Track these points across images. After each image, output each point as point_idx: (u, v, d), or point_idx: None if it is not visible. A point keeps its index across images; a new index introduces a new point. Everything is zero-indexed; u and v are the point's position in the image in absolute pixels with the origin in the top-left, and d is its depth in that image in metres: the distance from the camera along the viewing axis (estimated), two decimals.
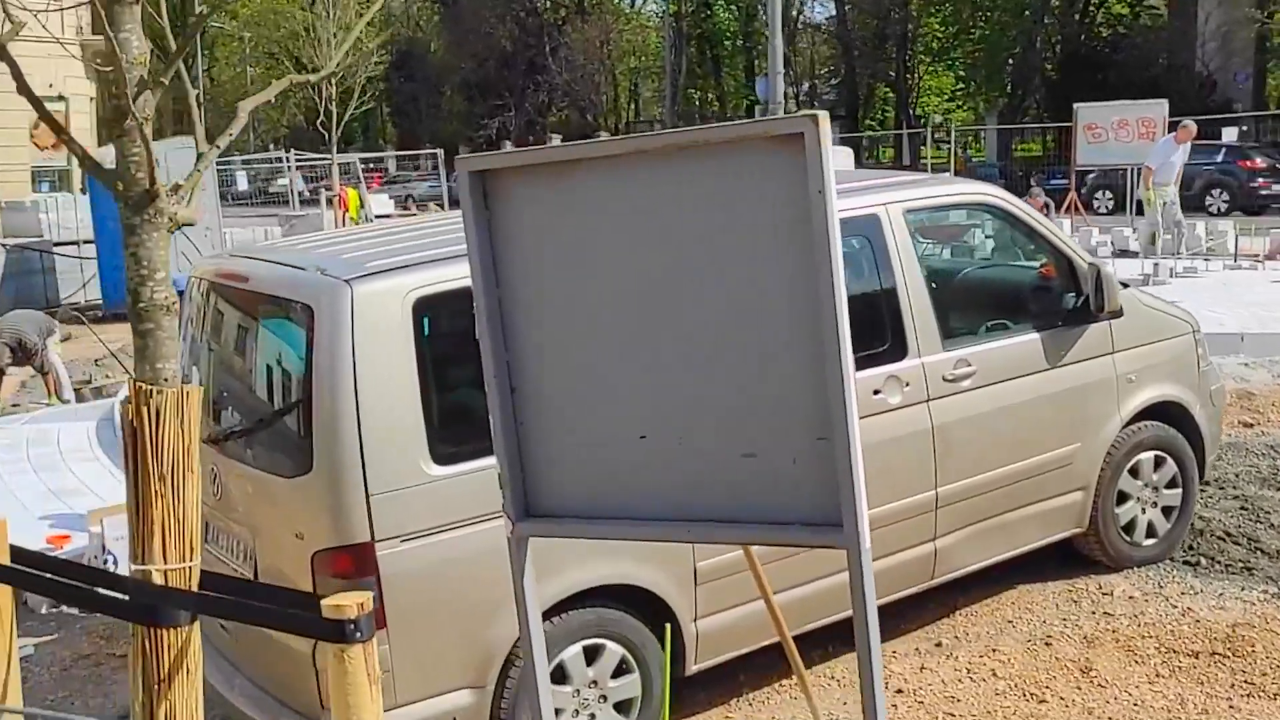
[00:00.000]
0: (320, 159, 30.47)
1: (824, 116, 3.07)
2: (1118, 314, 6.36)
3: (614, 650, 5.11)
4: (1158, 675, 5.61)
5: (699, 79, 65.98)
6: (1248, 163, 30.83)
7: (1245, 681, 5.49)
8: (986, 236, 8.97)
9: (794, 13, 57.86)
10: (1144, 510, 6.75)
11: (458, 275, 4.80)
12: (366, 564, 4.61)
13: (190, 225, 2.85)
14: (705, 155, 3.28)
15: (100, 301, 20.97)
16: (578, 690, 5.04)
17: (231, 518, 5.16)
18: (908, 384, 5.73)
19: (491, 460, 4.58)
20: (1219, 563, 6.80)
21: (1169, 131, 20.79)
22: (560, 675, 4.93)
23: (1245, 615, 6.11)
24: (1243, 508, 7.47)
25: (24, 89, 2.78)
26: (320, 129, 25.06)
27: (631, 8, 68.81)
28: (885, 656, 5.94)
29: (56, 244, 21.90)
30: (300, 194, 33.50)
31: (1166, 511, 6.84)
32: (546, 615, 4.69)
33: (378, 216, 26.09)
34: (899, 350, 5.75)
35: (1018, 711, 5.38)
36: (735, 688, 5.75)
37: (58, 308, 19.66)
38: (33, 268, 21.22)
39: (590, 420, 3.54)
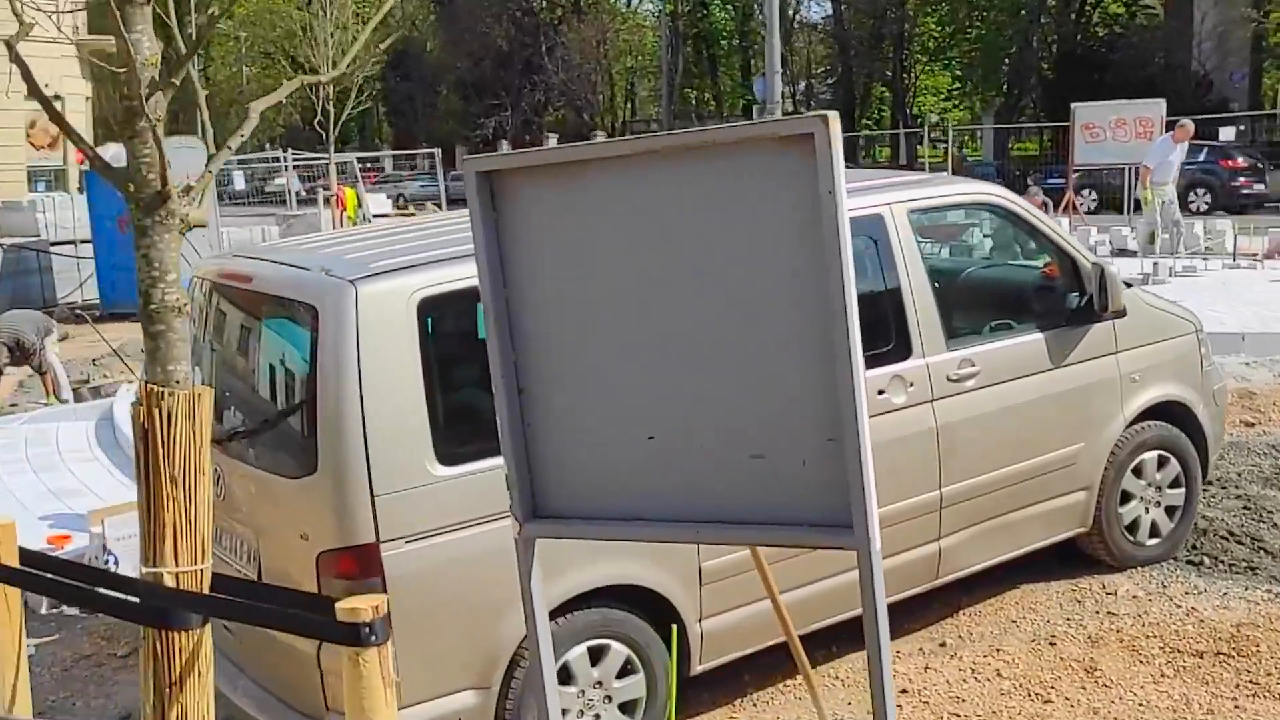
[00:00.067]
0: (317, 158, 30.45)
1: (834, 117, 3.07)
2: (1121, 314, 6.35)
3: (619, 650, 5.10)
4: (1162, 675, 5.60)
5: (695, 78, 66.00)
6: (1229, 162, 30.92)
7: (1250, 681, 5.48)
8: (985, 236, 8.97)
9: (790, 12, 57.85)
10: (1147, 510, 6.75)
11: (462, 275, 4.80)
12: (371, 565, 4.60)
13: (201, 226, 2.83)
14: (714, 156, 3.27)
15: (97, 301, 20.94)
16: (583, 691, 5.03)
17: (235, 518, 5.15)
18: (912, 384, 5.72)
19: (496, 461, 4.59)
20: (1222, 562, 6.79)
21: (1166, 131, 20.82)
22: (565, 676, 4.91)
23: (1249, 615, 6.11)
24: (1245, 507, 7.46)
25: (34, 90, 2.77)
26: (318, 128, 25.03)
27: (628, 7, 68.79)
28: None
29: (54, 244, 21.86)
30: (297, 193, 33.47)
31: (1170, 511, 6.84)
32: (551, 616, 4.66)
33: (375, 216, 26.08)
34: (903, 350, 5.74)
35: (1023, 711, 5.37)
36: (740, 688, 5.74)
37: (55, 307, 19.63)
38: (30, 267, 21.19)
39: (598, 421, 3.54)
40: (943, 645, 6.07)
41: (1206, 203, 29.76)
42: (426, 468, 4.69)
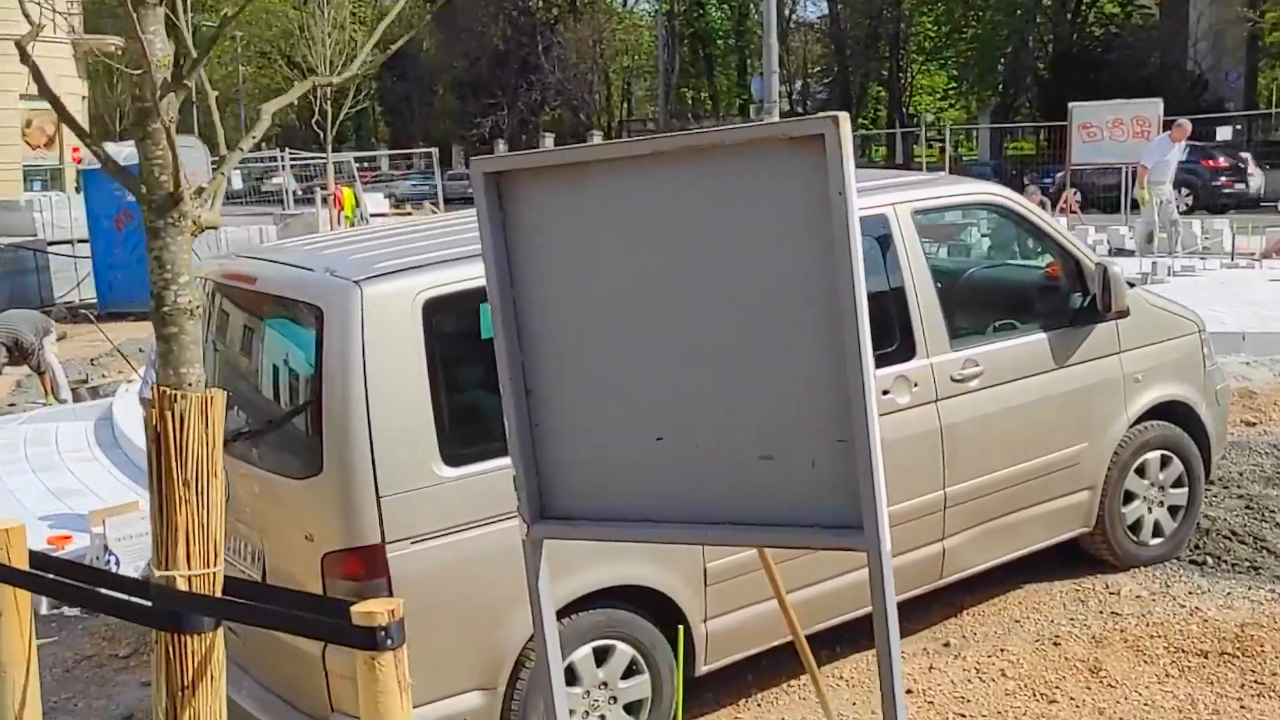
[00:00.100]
0: (315, 158, 30.40)
1: (844, 118, 3.06)
2: (1125, 314, 6.35)
3: (624, 651, 5.09)
4: (1167, 675, 5.60)
5: (692, 78, 66.03)
6: (1211, 162, 31.04)
7: (1255, 681, 5.48)
8: (982, 235, 8.97)
9: (787, 12, 57.86)
10: (1150, 510, 6.75)
11: (467, 276, 4.80)
12: (377, 566, 4.59)
13: (213, 228, 2.82)
14: (723, 157, 3.26)
15: (95, 301, 20.93)
16: (588, 691, 5.02)
17: (239, 519, 5.13)
18: (916, 384, 5.72)
19: (501, 461, 4.60)
20: (1225, 562, 6.80)
21: (1164, 130, 20.83)
22: (571, 676, 4.91)
23: (1253, 615, 6.11)
24: (1248, 507, 7.47)
25: (45, 91, 2.76)
26: (315, 128, 24.97)
27: (624, 7, 68.79)
28: None
29: (51, 243, 21.85)
30: (293, 193, 33.43)
31: (1173, 511, 6.84)
32: (557, 616, 4.67)
33: (373, 216, 26.06)
34: (907, 350, 5.74)
35: (1028, 712, 5.37)
36: (744, 688, 5.74)
37: (52, 307, 19.62)
38: (27, 267, 21.18)
39: (606, 422, 3.53)
40: (946, 645, 6.07)
41: (1188, 202, 29.85)
42: (432, 468, 4.68)
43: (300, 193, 33.37)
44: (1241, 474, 8.05)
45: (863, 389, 3.10)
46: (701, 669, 5.36)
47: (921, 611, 6.21)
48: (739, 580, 5.24)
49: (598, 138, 54.84)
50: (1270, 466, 8.20)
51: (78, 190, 24.38)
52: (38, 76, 2.70)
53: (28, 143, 33.00)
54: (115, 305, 19.30)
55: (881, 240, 5.73)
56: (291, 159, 33.66)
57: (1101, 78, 44.54)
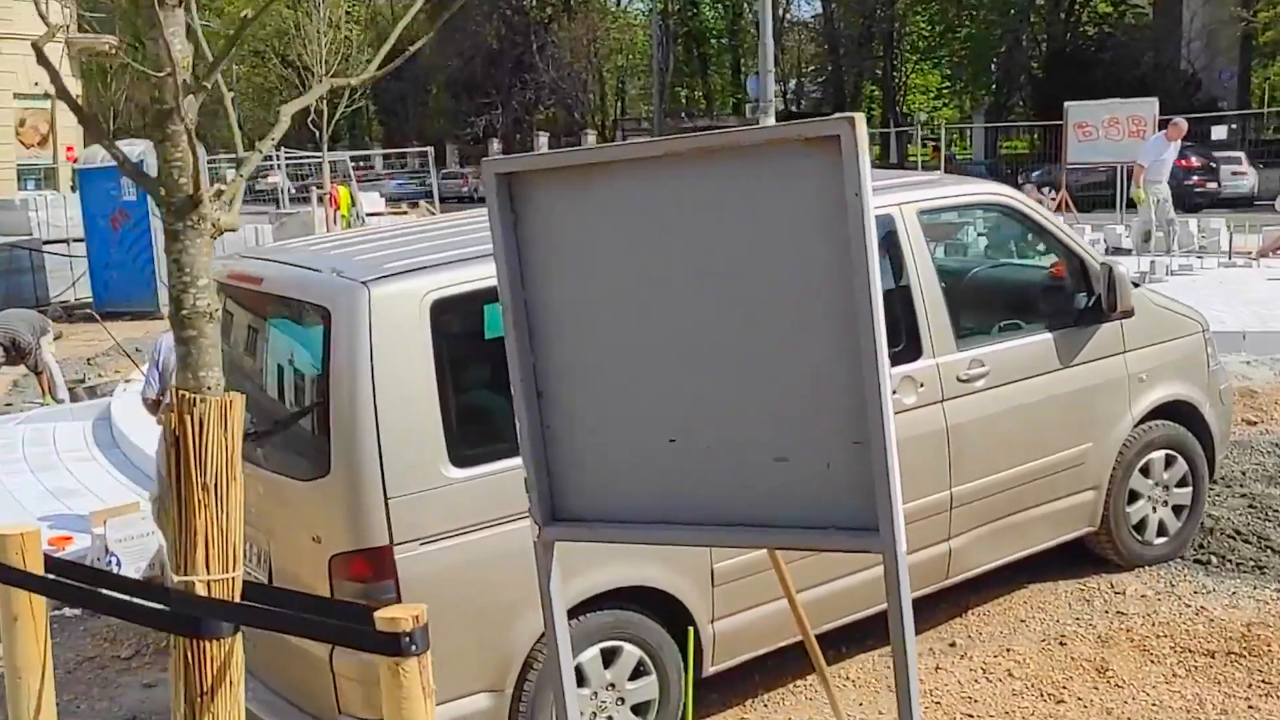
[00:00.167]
0: (309, 157, 30.39)
1: (860, 119, 3.05)
2: (1129, 314, 6.34)
3: (631, 652, 5.08)
4: (1174, 675, 5.60)
5: (686, 77, 66.05)
6: (1182, 161, 31.04)
7: (1263, 681, 5.48)
8: (979, 234, 8.96)
9: (781, 11, 57.92)
10: (1155, 509, 6.75)
11: (475, 277, 4.79)
12: (385, 567, 4.57)
13: (232, 231, 2.81)
14: (737, 158, 3.25)
15: (90, 300, 20.88)
16: (595, 693, 5.01)
17: (245, 520, 5.10)
18: (922, 384, 5.71)
19: (510, 463, 4.59)
20: (1230, 561, 6.80)
21: (1159, 129, 20.85)
22: (578, 678, 4.88)
23: (1259, 614, 6.11)
24: (1251, 506, 7.48)
25: (62, 92, 2.74)
26: (311, 127, 24.95)
27: (618, 6, 68.80)
28: None
29: (46, 243, 21.79)
30: (288, 192, 33.40)
31: (1177, 510, 6.84)
32: None
33: (369, 215, 26.01)
34: (914, 351, 5.73)
35: (1036, 712, 5.37)
36: (750, 688, 5.73)
37: (47, 306, 19.57)
38: (22, 266, 21.12)
39: (618, 424, 3.51)
40: (952, 645, 6.06)
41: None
42: (440, 470, 4.66)
43: (294, 192, 33.35)
44: (1244, 473, 8.05)
45: (878, 390, 3.10)
46: (709, 670, 5.35)
47: (927, 611, 6.20)
48: (746, 581, 5.24)
49: (592, 137, 54.89)
50: (1272, 465, 8.21)
51: (73, 189, 24.32)
52: (54, 78, 2.68)
53: (21, 142, 32.94)
54: (110, 305, 19.26)
55: (887, 240, 5.72)
56: (286, 158, 33.62)
57: (1095, 77, 44.55)
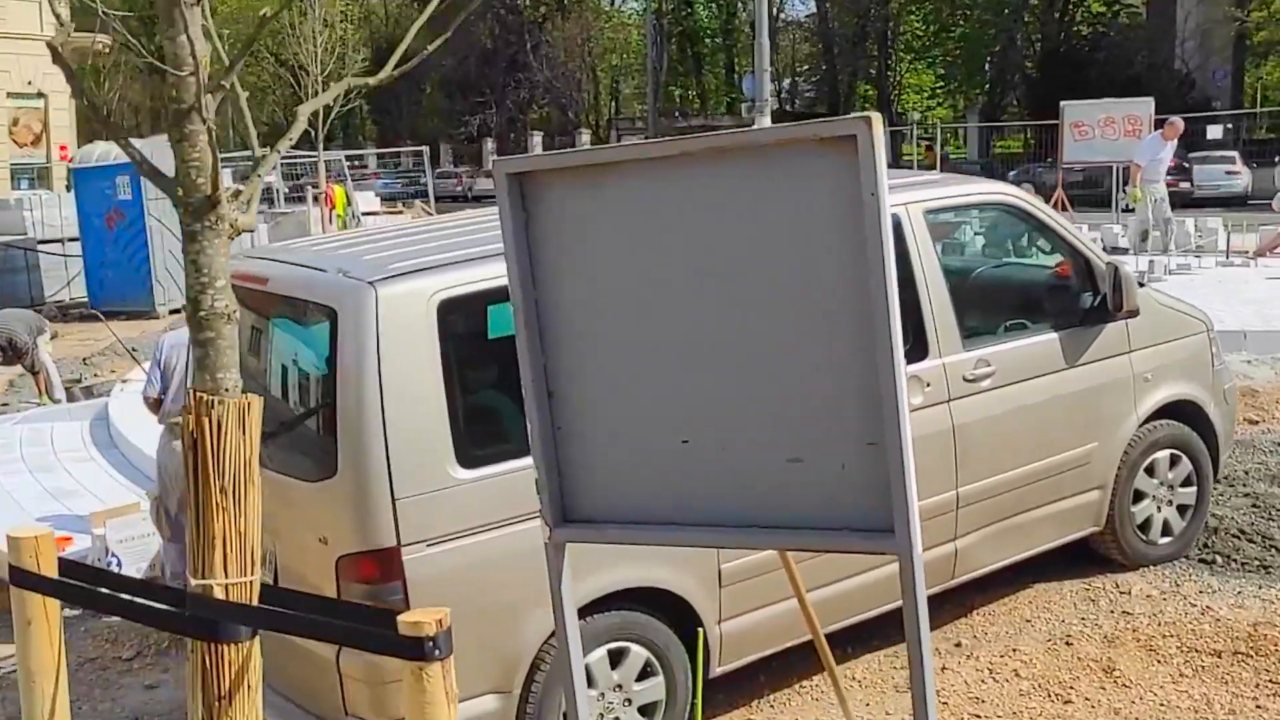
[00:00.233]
0: (305, 156, 30.35)
1: (877, 118, 3.04)
2: (1135, 313, 6.33)
3: (638, 653, 5.06)
4: (1181, 675, 5.59)
5: (680, 76, 66.05)
6: (1125, 162, 31.12)
7: (1270, 681, 5.47)
8: (976, 234, 8.95)
9: (775, 10, 57.93)
10: (1159, 509, 6.74)
11: (482, 277, 4.77)
12: (392, 569, 4.55)
13: (250, 231, 2.78)
14: (750, 158, 3.24)
15: (86, 299, 20.84)
16: (602, 694, 4.99)
17: None
18: (929, 384, 5.70)
19: (517, 463, 4.59)
20: (1235, 561, 6.79)
21: (1155, 129, 20.86)
22: (585, 679, 4.87)
23: (1265, 614, 6.10)
24: (1254, 505, 7.47)
25: (77, 91, 2.71)
26: (309, 126, 24.94)
27: (612, 5, 68.79)
28: (904, 658, 5.90)
29: (41, 242, 21.73)
30: (282, 192, 33.31)
31: (1181, 510, 6.83)
32: None
33: (364, 214, 25.98)
34: (920, 350, 5.71)
35: (1044, 712, 5.35)
36: (756, 689, 5.72)
37: (43, 306, 19.52)
38: (16, 266, 21.07)
39: (630, 425, 3.50)
40: (958, 645, 6.05)
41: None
42: (447, 470, 4.64)
43: (288, 191, 33.27)
44: (1247, 472, 8.05)
45: (894, 390, 3.08)
46: (715, 670, 5.33)
47: (933, 612, 6.10)
48: (753, 582, 5.22)
49: (586, 136, 54.89)
50: (1275, 464, 8.20)
51: (68, 189, 24.27)
52: (70, 77, 2.66)
53: (14, 141, 32.85)
54: (106, 304, 19.19)
55: (894, 240, 5.70)
56: (280, 158, 33.54)
57: (1089, 76, 44.63)
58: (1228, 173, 33.40)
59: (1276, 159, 35.21)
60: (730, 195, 3.26)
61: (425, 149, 37.70)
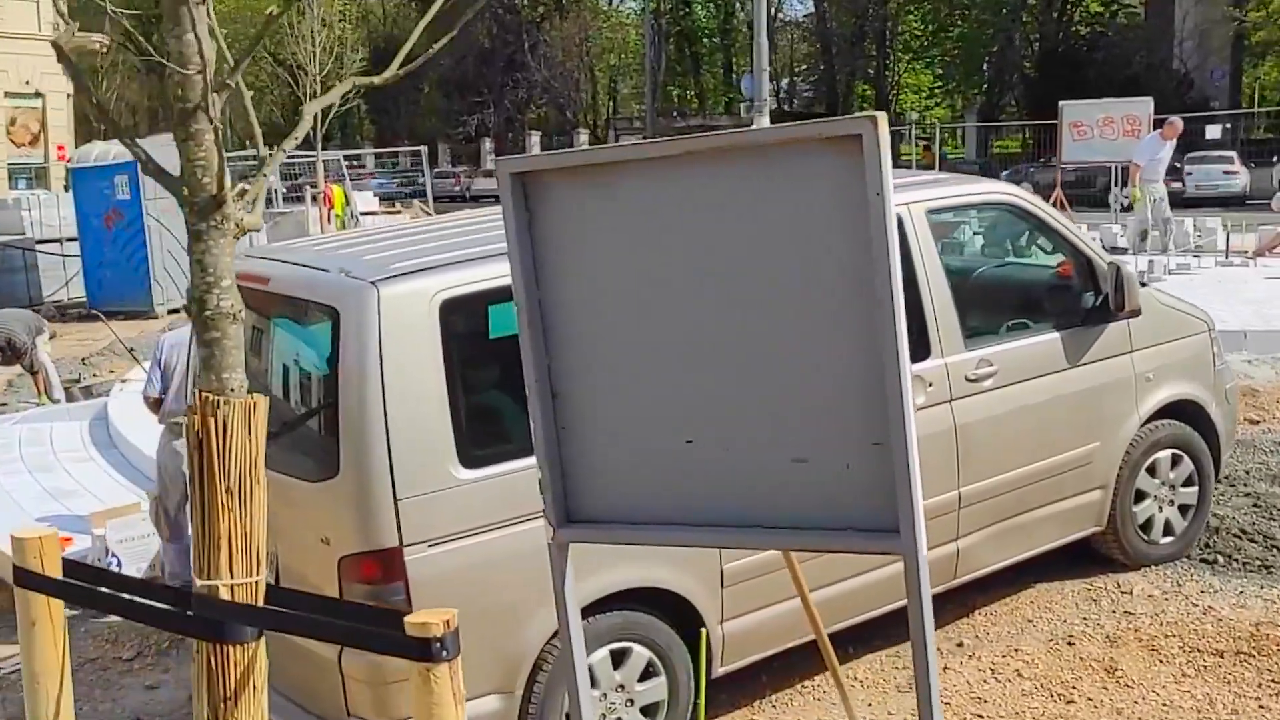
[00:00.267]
0: (303, 156, 30.33)
1: (882, 118, 3.03)
2: (1137, 313, 6.33)
3: (641, 654, 5.06)
4: (1183, 675, 5.58)
5: (678, 76, 66.07)
6: (1124, 162, 31.16)
7: (1273, 681, 5.46)
8: (977, 233, 8.95)
9: (773, 10, 57.96)
10: (1161, 508, 6.73)
11: (484, 277, 4.76)
12: (394, 569, 4.54)
13: (256, 231, 2.77)
14: (755, 157, 3.23)
15: (84, 299, 20.82)
16: (604, 694, 4.98)
17: None
18: (931, 384, 5.69)
19: (520, 463, 4.58)
20: (1236, 560, 6.78)
21: (1154, 129, 20.87)
22: (589, 680, 4.86)
23: (1267, 614, 6.09)
24: (1255, 505, 7.47)
25: (83, 90, 2.70)
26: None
27: (610, 5, 68.78)
28: (908, 658, 5.88)
29: (39, 242, 21.71)
30: (280, 192, 33.29)
31: (1183, 510, 6.82)
32: None
33: (362, 214, 25.96)
34: (922, 350, 5.70)
35: (1046, 712, 5.35)
36: (758, 689, 5.71)
37: (41, 306, 19.50)
38: (15, 266, 21.05)
39: (634, 425, 3.49)
40: (960, 645, 6.04)
41: (1124, 201, 30.01)
42: (450, 471, 4.63)
43: (286, 191, 33.25)
44: (1248, 472, 8.04)
45: (899, 391, 3.07)
46: (718, 671, 5.33)
47: (935, 612, 6.14)
48: (756, 582, 5.22)
49: (584, 136, 54.90)
50: (1276, 464, 8.20)
51: (66, 189, 24.24)
52: (76, 76, 2.65)
53: (12, 141, 32.86)
54: (104, 304, 19.17)
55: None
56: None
57: (1087, 76, 44.68)
58: (1226, 173, 33.41)
59: (1275, 159, 35.31)
60: (734, 195, 3.25)
61: (424, 149, 37.65)
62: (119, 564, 7.34)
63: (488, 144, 59.07)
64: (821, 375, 3.22)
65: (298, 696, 4.99)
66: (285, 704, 5.00)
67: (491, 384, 5.00)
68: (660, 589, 5.05)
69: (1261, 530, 7.08)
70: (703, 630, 4.66)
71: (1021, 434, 6.04)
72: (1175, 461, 6.73)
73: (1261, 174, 33.94)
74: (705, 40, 66.63)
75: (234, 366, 2.71)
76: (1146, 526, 6.70)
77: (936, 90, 63.39)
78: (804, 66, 67.03)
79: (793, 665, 5.68)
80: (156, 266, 19.90)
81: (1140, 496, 6.63)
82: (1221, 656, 5.71)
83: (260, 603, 2.72)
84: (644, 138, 41.01)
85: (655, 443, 3.46)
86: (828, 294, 3.17)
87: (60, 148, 32.71)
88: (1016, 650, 5.91)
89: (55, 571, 3.04)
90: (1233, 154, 34.79)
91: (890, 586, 5.59)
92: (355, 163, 43.43)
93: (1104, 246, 19.23)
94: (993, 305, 6.48)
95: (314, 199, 24.43)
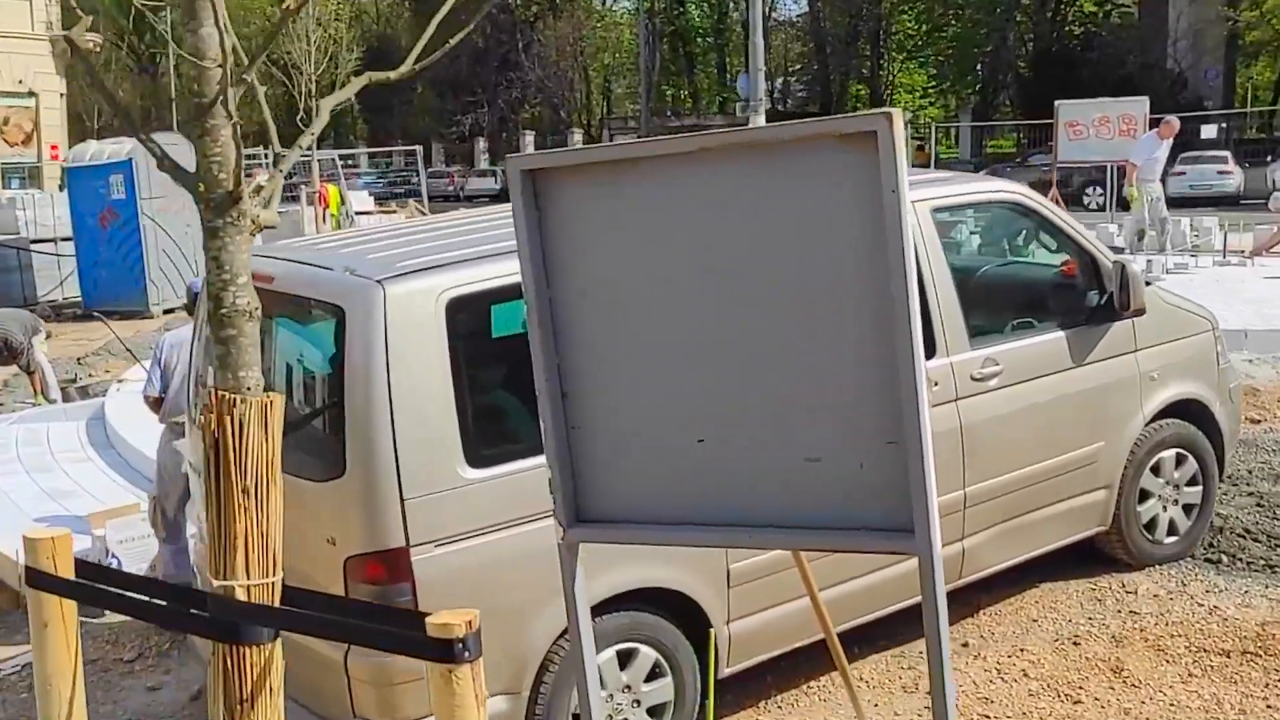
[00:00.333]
0: (300, 155, 30.25)
1: (898, 114, 3.01)
2: (1142, 312, 6.32)
3: (647, 654, 5.04)
4: (1190, 675, 5.57)
5: (673, 76, 66.04)
6: (1119, 162, 31.21)
7: None
8: (979, 232, 8.94)
9: (767, 9, 57.97)
10: (1165, 508, 6.72)
11: (490, 275, 4.74)
12: (401, 569, 4.52)
13: (272, 228, 2.75)
14: (768, 154, 3.21)
15: (79, 299, 20.76)
16: (611, 695, 4.96)
17: None
18: (936, 383, 5.67)
19: (526, 463, 4.56)
20: (1240, 560, 6.77)
21: (1150, 128, 20.87)
22: (599, 680, 4.84)
23: (1273, 613, 6.08)
24: (1259, 504, 7.46)
25: (100, 86, 2.67)
26: (301, 125, 24.83)
27: (604, 4, 68.75)
28: (913, 658, 5.90)
29: (34, 241, 21.64)
30: None
31: (1187, 509, 6.82)
32: None
33: (357, 214, 25.91)
34: (927, 349, 5.66)
35: (1054, 712, 5.33)
36: (763, 690, 5.69)
37: (35, 305, 19.44)
38: (9, 265, 20.98)
39: (645, 424, 3.47)
40: (965, 645, 6.03)
41: (1099, 201, 30.13)
42: (456, 470, 4.61)
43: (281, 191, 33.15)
44: (1250, 471, 8.04)
45: (915, 389, 3.05)
46: (724, 671, 5.30)
47: None
48: (762, 582, 5.20)
49: (578, 136, 54.84)
50: (1278, 463, 8.19)
51: (60, 188, 24.17)
52: (90, 71, 2.62)
53: (5, 140, 32.76)
54: (100, 304, 19.12)
55: None
56: (272, 157, 33.44)
57: (1081, 76, 44.68)
58: (1220, 172, 33.43)
59: (1269, 159, 35.29)
60: (746, 192, 3.23)
61: (419, 148, 37.63)
62: (119, 564, 7.30)
63: (481, 144, 59.01)
64: (834, 374, 3.20)
65: (302, 697, 4.94)
66: (289, 704, 4.96)
67: (498, 383, 4.98)
68: (666, 589, 5.03)
69: (1265, 530, 7.07)
70: (711, 631, 4.65)
71: (1027, 433, 6.02)
72: (1180, 461, 6.72)
73: (1255, 174, 33.94)
74: (699, 40, 66.59)
75: (250, 364, 2.69)
76: (1151, 526, 6.69)
77: (931, 90, 63.36)
78: (798, 66, 67.00)
79: (798, 666, 5.67)
80: (152, 266, 19.85)
81: (1145, 496, 6.62)
82: (1228, 656, 5.70)
83: (277, 603, 2.70)
84: (639, 137, 40.95)
85: (666, 442, 3.44)
86: (841, 291, 3.15)
87: (53, 147, 32.62)
88: (1022, 650, 5.90)
89: (68, 572, 3.01)
90: (1227, 154, 34.83)
91: (895, 587, 5.58)
92: (349, 162, 43.40)
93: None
94: (998, 304, 6.47)
95: (309, 199, 24.36)
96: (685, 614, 5.09)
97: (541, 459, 3.52)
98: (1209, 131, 31.37)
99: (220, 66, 2.42)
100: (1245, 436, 8.76)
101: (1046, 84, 43.50)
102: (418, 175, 37.41)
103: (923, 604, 3.18)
